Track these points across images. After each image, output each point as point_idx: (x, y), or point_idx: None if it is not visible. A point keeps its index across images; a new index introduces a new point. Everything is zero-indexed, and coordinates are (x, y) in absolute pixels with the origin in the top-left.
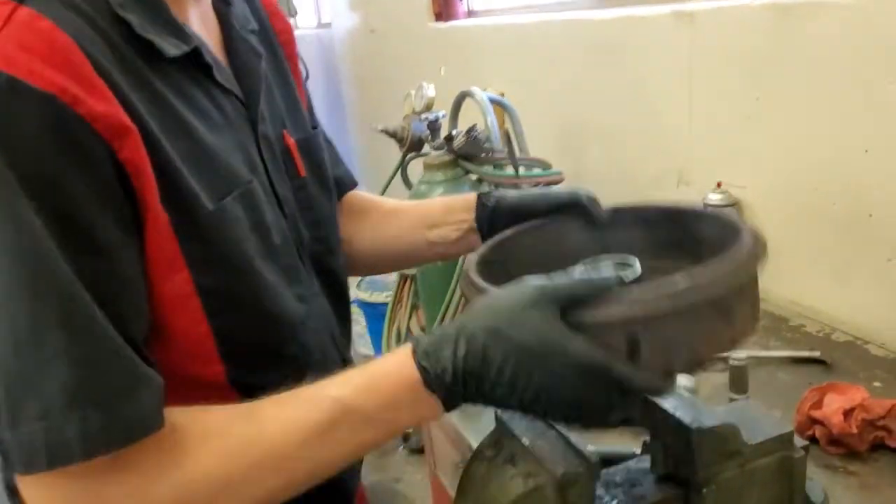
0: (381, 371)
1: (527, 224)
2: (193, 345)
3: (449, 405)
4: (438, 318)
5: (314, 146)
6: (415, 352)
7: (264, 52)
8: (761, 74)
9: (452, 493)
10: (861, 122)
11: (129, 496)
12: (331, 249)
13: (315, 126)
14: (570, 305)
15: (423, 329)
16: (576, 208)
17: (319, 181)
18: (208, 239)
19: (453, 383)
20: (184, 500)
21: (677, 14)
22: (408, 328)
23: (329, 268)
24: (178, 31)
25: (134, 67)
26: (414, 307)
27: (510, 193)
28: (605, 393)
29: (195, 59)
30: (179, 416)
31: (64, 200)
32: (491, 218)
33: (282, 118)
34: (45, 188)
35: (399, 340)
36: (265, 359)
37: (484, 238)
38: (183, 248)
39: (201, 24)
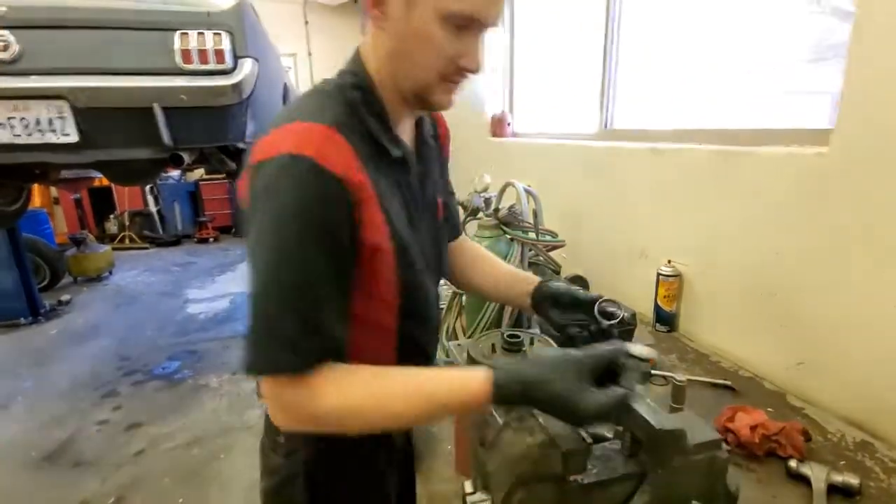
0: (466, 383)
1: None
2: (387, 303)
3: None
4: (475, 323)
5: (450, 205)
6: (494, 383)
7: (434, 144)
8: (701, 193)
9: (470, 439)
10: (774, 232)
11: (301, 398)
12: (444, 261)
13: (452, 193)
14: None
15: (464, 328)
16: (585, 305)
17: (447, 223)
18: (405, 257)
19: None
20: (336, 411)
21: (653, 150)
22: (454, 326)
23: (442, 271)
24: (398, 142)
25: (375, 159)
26: (459, 313)
27: (556, 285)
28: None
29: (403, 159)
30: (342, 368)
31: (327, 230)
32: (541, 301)
33: (437, 186)
34: (322, 226)
35: (447, 335)
36: (416, 317)
37: (534, 308)
38: (396, 262)
39: (407, 129)
